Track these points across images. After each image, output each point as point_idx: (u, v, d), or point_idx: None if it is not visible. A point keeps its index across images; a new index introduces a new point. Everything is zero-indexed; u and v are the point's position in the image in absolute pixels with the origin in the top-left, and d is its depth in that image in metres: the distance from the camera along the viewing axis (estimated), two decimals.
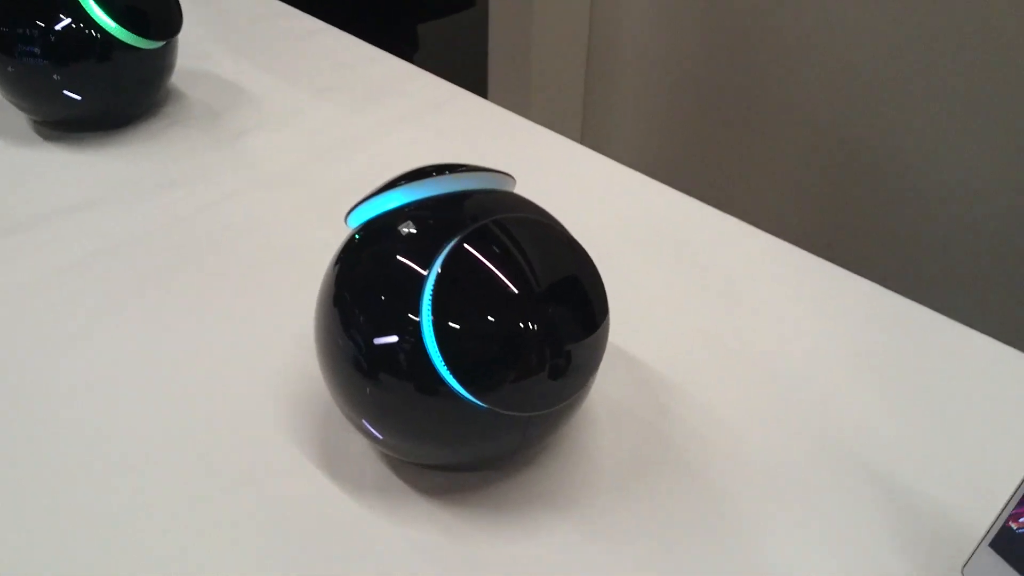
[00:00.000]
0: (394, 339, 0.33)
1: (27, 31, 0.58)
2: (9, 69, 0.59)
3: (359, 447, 0.41)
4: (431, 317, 0.33)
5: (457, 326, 0.33)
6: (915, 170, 1.09)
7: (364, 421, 0.36)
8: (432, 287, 0.33)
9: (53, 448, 0.40)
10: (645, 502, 0.38)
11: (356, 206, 0.37)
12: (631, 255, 0.53)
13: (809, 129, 1.15)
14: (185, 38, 0.69)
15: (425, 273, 0.33)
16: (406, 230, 0.35)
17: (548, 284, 0.35)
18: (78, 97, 0.60)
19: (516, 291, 0.33)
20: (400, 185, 0.36)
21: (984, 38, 0.95)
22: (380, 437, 0.37)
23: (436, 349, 0.33)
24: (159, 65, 0.64)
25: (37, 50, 0.58)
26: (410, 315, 0.33)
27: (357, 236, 0.37)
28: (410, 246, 0.35)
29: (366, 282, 0.35)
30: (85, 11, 0.58)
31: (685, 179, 0.59)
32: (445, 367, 0.33)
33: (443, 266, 0.33)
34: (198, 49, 0.74)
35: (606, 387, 0.44)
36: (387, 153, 0.62)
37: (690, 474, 0.40)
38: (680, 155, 1.32)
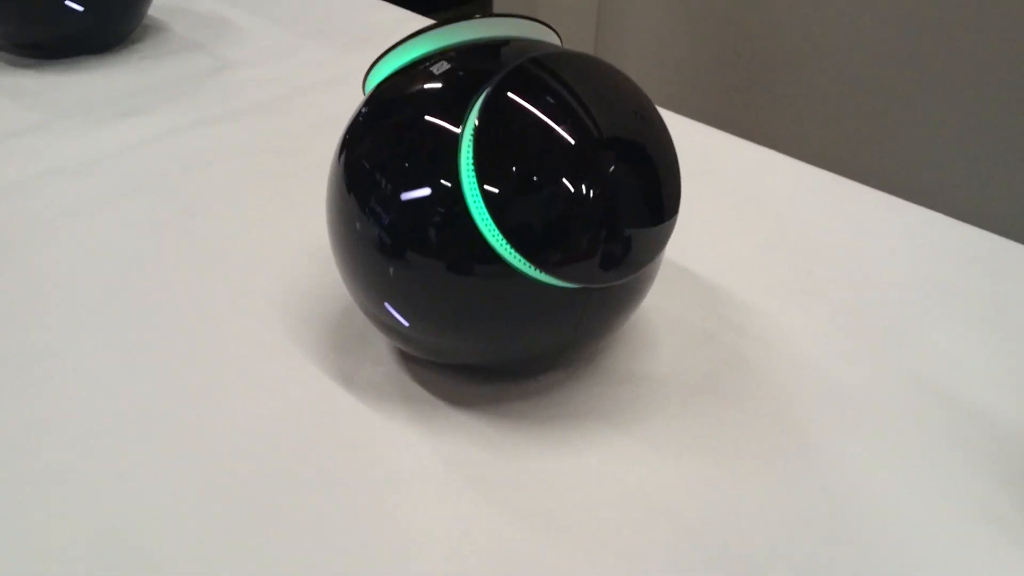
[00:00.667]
0: (424, 202, 0.28)
1: None
2: None
3: (379, 358, 0.35)
4: (474, 176, 0.27)
5: (507, 186, 0.27)
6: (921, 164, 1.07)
7: (387, 304, 0.30)
8: (471, 142, 0.27)
9: (17, 369, 0.34)
10: (713, 417, 0.33)
11: (372, 67, 0.32)
12: None
13: (828, 66, 1.13)
14: None
15: (458, 130, 0.27)
16: (430, 83, 0.29)
17: (616, 132, 0.29)
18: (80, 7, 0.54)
19: (573, 141, 0.27)
20: (421, 35, 0.31)
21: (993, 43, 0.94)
22: (406, 324, 0.30)
23: (483, 208, 0.27)
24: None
25: None
26: (447, 175, 0.27)
27: (372, 97, 0.31)
28: (437, 99, 0.29)
29: (387, 146, 0.29)
30: None
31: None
32: (496, 231, 0.27)
33: (481, 116, 0.27)
34: None
35: (662, 301, 0.38)
36: None
37: (761, 392, 0.34)
38: (694, 103, 1.30)
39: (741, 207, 0.46)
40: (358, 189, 0.29)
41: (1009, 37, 0.97)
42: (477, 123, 0.27)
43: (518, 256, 0.27)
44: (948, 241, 0.43)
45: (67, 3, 0.54)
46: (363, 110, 0.31)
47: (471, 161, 0.27)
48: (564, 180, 0.27)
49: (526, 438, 0.31)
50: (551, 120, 0.27)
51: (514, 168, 0.27)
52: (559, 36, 0.33)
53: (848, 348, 0.36)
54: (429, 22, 0.66)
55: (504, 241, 0.27)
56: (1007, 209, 1.03)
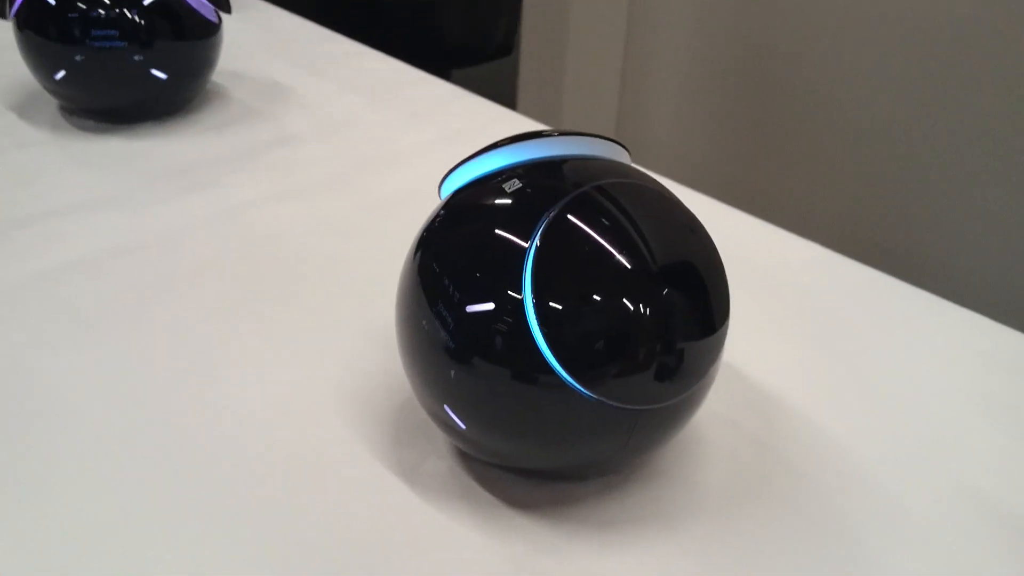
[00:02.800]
0: (487, 315, 0.29)
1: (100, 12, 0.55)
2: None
3: (439, 457, 0.36)
4: (532, 294, 0.29)
5: (563, 305, 0.29)
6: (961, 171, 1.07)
7: (446, 407, 0.31)
8: (532, 262, 0.29)
9: (55, 452, 0.35)
10: (763, 526, 0.34)
11: (449, 173, 0.34)
12: None
13: (851, 134, 1.14)
14: (222, 50, 0.65)
15: (525, 245, 0.29)
16: (499, 199, 0.31)
17: (668, 260, 0.30)
18: (163, 76, 0.57)
19: (629, 266, 0.29)
20: (496, 149, 0.33)
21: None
22: (463, 427, 0.31)
23: (539, 330, 0.28)
24: (188, 69, 0.60)
25: (115, 32, 0.55)
26: (509, 291, 0.29)
27: (448, 206, 0.33)
28: (507, 216, 0.31)
29: (456, 255, 0.31)
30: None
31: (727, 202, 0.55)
32: (549, 350, 0.28)
33: (543, 238, 0.29)
34: (226, 69, 0.70)
35: (712, 403, 0.39)
36: (436, 168, 0.58)
37: (811, 501, 0.35)
38: (715, 186, 1.32)
39: (790, 302, 0.47)
40: (428, 295, 0.31)
41: None
42: (539, 243, 0.29)
43: (570, 378, 0.28)
44: (993, 346, 0.44)
45: (152, 72, 0.56)
46: (439, 217, 0.33)
47: (530, 280, 0.29)
48: (616, 304, 0.29)
49: (587, 543, 0.32)
50: (607, 245, 0.29)
51: (569, 289, 0.29)
52: (628, 152, 0.35)
53: (897, 457, 0.37)
54: (474, 97, 0.68)
55: (556, 360, 0.28)
56: None
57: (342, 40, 0.79)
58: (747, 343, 0.43)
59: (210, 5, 0.59)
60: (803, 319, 0.46)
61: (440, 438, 0.36)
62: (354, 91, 0.69)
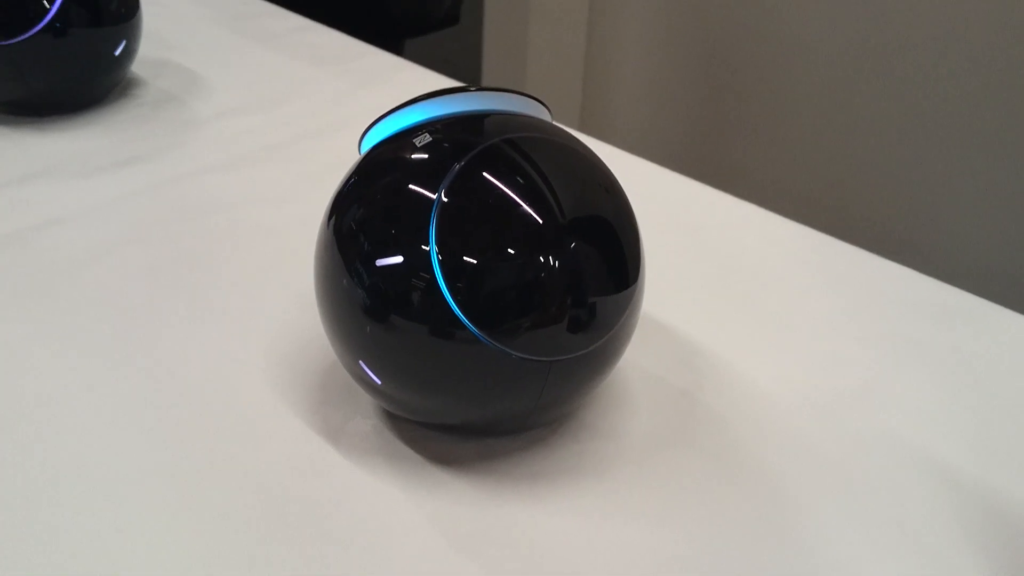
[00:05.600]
0: (396, 270, 0.30)
1: None
2: None
3: (364, 417, 0.36)
4: (437, 248, 0.29)
5: (467, 258, 0.29)
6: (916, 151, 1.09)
7: (362, 363, 0.31)
8: (436, 216, 0.29)
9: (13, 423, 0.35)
10: (680, 478, 0.34)
11: (367, 130, 0.34)
12: (647, 239, 0.48)
13: (810, 120, 1.15)
14: (156, 31, 0.64)
15: (431, 198, 0.29)
16: (412, 154, 0.31)
17: (575, 213, 0.31)
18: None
19: (534, 219, 0.29)
20: (412, 105, 0.33)
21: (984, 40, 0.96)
22: (379, 382, 0.31)
23: (443, 281, 0.29)
24: (112, 50, 0.59)
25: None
26: (419, 246, 0.29)
27: (360, 164, 0.33)
28: (416, 172, 0.31)
29: (366, 211, 0.31)
30: None
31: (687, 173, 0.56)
32: (454, 303, 0.29)
33: (449, 192, 0.29)
34: (168, 43, 0.69)
35: (639, 358, 0.39)
36: None
37: (736, 450, 0.35)
38: (677, 155, 1.32)
39: (720, 261, 0.47)
40: (341, 251, 0.31)
41: (982, 89, 1.00)
42: (444, 197, 0.29)
43: (474, 327, 0.29)
44: (918, 296, 0.45)
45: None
46: (351, 177, 0.33)
47: (435, 234, 0.29)
48: (520, 256, 0.29)
49: (510, 497, 0.32)
50: (511, 199, 0.29)
51: (474, 241, 0.29)
52: (548, 109, 0.35)
53: (822, 404, 0.37)
54: (419, 68, 0.67)
55: (461, 312, 0.29)
56: (977, 263, 1.05)
57: (287, 15, 0.78)
58: (675, 299, 0.43)
59: None
60: (732, 274, 0.46)
61: (366, 398, 0.36)
62: (297, 64, 0.68)
